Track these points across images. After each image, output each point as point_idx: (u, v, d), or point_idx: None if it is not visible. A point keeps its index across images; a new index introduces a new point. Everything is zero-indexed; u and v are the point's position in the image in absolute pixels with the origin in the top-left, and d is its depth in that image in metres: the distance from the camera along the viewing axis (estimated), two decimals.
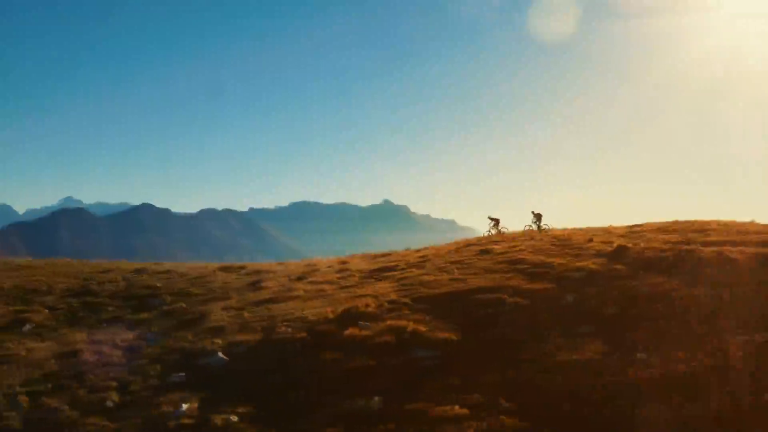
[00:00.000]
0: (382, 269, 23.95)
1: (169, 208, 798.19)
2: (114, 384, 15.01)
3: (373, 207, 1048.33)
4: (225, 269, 26.22)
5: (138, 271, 24.65)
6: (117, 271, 24.79)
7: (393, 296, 18.74)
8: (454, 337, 15.24)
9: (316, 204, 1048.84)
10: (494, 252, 23.17)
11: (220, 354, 15.90)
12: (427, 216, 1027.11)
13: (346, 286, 21.94)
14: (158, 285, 22.74)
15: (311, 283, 23.05)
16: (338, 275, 24.44)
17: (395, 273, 22.70)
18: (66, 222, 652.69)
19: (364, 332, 16.07)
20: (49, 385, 15.15)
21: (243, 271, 25.91)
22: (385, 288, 20.07)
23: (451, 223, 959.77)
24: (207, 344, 16.70)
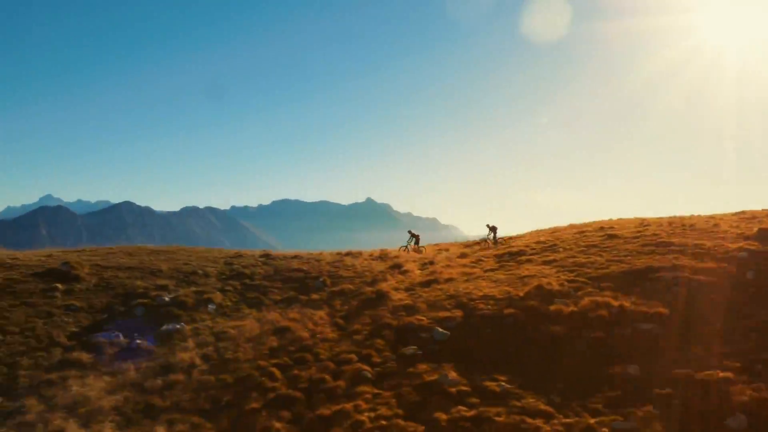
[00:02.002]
0: (512, 254, 24.73)
1: (150, 206, 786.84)
2: (353, 357, 15.68)
3: (356, 205, 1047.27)
4: (350, 255, 26.77)
5: (238, 256, 24.95)
6: (221, 255, 25.01)
7: (564, 276, 19.59)
8: (664, 311, 16.14)
9: (298, 202, 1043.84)
10: (624, 236, 24.11)
11: (439, 329, 16.60)
12: (409, 214, 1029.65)
13: (492, 269, 22.71)
14: (305, 268, 23.26)
15: (448, 267, 23.73)
16: (466, 260, 25.16)
17: (534, 257, 23.51)
18: (45, 219, 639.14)
19: (571, 308, 16.90)
20: (286, 359, 15.77)
21: (370, 256, 26.51)
22: (547, 270, 20.89)
23: (433, 221, 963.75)
24: (413, 321, 17.36)
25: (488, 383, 13.77)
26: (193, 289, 20.30)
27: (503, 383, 13.71)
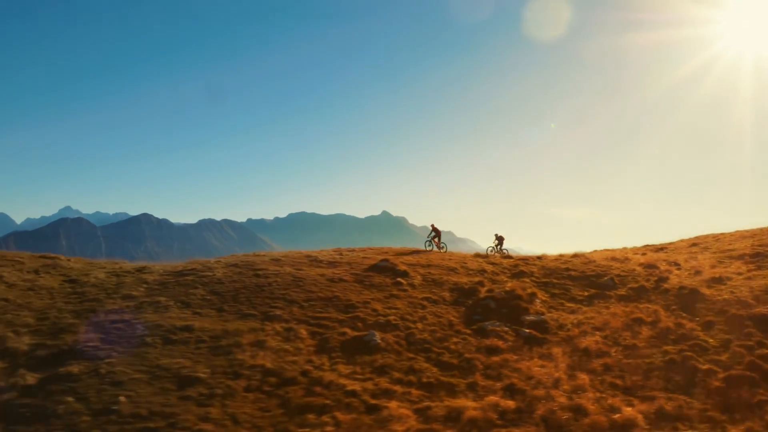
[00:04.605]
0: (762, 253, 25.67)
1: (168, 218, 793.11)
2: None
3: (371, 218, 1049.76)
4: (576, 256, 27.85)
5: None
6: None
7: None
8: None
9: (314, 215, 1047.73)
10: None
11: None
12: (425, 227, 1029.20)
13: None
14: (573, 269, 24.37)
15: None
16: (711, 256, 26.11)
17: None
18: (65, 231, 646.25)
19: None
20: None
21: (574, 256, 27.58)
22: None
23: (449, 234, 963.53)
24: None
25: None
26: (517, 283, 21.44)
27: None
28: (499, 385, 14.12)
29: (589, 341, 16.87)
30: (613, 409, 12.98)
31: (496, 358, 15.58)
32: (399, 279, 20.46)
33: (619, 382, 14.70)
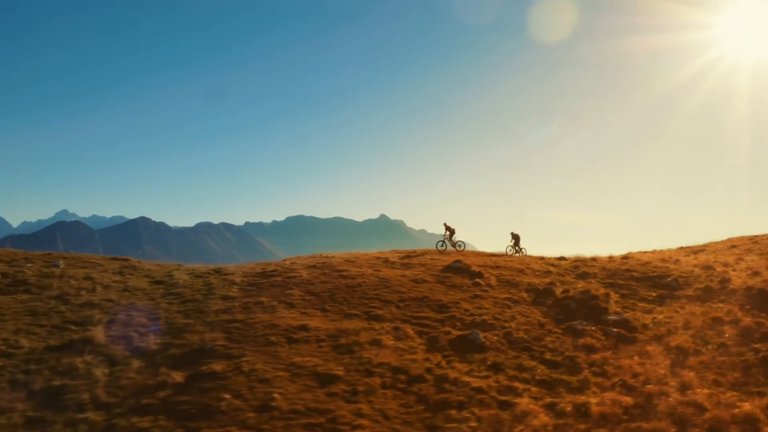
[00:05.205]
0: None
1: (165, 221, 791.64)
2: None
3: (369, 222, 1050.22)
4: (627, 258, 28.26)
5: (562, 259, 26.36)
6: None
7: None
8: None
9: (312, 218, 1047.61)
10: None
11: None
12: (423, 231, 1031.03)
13: None
14: (636, 269, 24.75)
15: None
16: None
17: None
18: (63, 234, 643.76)
19: None
20: None
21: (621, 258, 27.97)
22: None
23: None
24: None
25: None
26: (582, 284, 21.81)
27: None
28: (609, 382, 14.47)
29: (679, 340, 17.22)
30: (729, 405, 13.32)
31: (596, 356, 15.92)
32: (477, 280, 20.79)
33: (721, 379, 15.05)
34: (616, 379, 14.58)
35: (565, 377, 14.57)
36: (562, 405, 12.92)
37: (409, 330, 15.68)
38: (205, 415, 10.51)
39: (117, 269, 20.26)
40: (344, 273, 19.88)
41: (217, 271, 21.04)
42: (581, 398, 13.27)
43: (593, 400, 13.18)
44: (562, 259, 28.93)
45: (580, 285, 21.79)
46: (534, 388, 13.75)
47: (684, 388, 14.18)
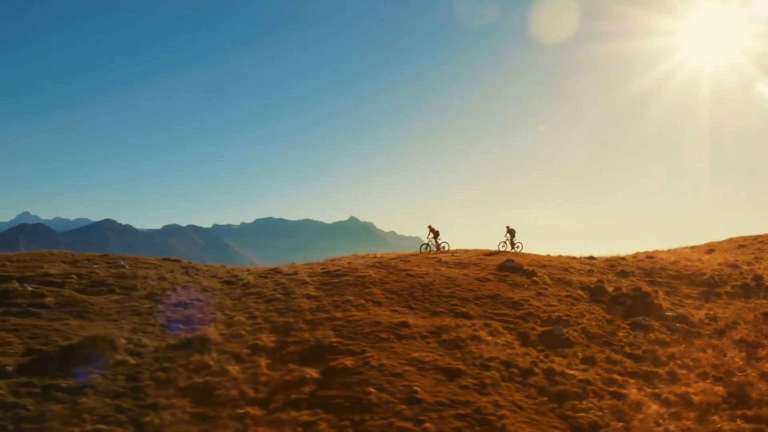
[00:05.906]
0: None
1: (131, 224, 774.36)
2: None
3: (339, 224, 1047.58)
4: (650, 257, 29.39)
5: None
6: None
7: None
8: None
9: (282, 220, 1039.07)
10: None
11: None
12: (393, 233, 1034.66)
13: None
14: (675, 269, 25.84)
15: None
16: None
17: None
18: (24, 237, 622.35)
19: None
20: None
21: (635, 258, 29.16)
22: None
23: (416, 240, 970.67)
24: None
25: None
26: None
27: None
28: (693, 374, 15.26)
29: (741, 333, 18.18)
30: None
31: (672, 350, 16.73)
32: (533, 278, 21.44)
33: None
34: (699, 371, 15.38)
35: (653, 369, 15.29)
36: (665, 395, 13.62)
37: (498, 326, 16.19)
38: (361, 408, 10.81)
39: (181, 270, 20.21)
40: (411, 272, 20.28)
41: (277, 272, 21.16)
42: (680, 389, 14.01)
43: (690, 390, 13.93)
44: (591, 258, 29.88)
45: (627, 282, 22.67)
46: (631, 380, 14.42)
47: (766, 377, 15.07)
